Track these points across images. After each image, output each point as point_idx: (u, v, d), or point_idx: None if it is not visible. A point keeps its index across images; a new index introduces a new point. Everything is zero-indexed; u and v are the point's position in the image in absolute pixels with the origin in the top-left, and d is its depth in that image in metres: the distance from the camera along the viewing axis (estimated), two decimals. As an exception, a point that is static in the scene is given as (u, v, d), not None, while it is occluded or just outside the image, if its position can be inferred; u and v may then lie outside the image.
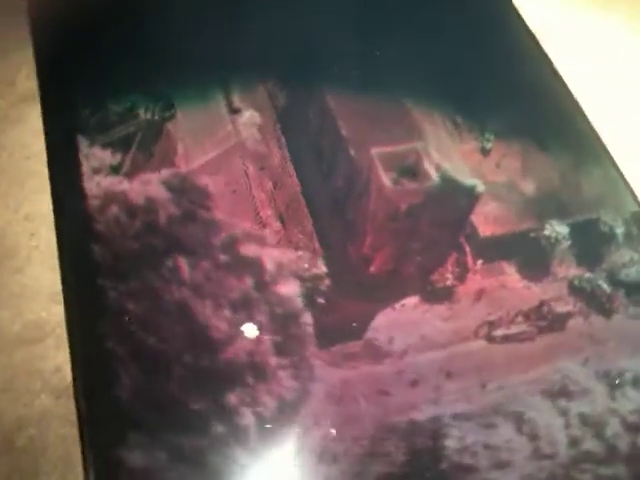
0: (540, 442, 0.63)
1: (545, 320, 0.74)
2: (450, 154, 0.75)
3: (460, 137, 0.83)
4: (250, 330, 0.71)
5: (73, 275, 0.66)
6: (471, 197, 0.74)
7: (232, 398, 0.61)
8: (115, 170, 0.71)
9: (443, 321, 0.74)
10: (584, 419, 0.66)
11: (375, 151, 0.73)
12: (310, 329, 0.67)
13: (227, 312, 0.65)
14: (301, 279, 0.69)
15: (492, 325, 0.73)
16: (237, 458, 0.57)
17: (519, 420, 0.65)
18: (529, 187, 0.81)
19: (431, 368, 0.70)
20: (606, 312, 0.76)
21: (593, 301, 0.76)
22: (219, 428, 0.60)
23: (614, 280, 0.77)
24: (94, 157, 0.72)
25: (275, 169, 0.80)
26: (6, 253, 0.74)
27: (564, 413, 0.65)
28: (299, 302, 0.67)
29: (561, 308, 0.75)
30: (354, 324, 0.70)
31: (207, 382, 0.62)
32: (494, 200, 0.79)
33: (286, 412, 0.61)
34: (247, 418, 0.61)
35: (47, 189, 0.73)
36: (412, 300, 0.74)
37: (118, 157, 0.72)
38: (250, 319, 0.66)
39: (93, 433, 0.59)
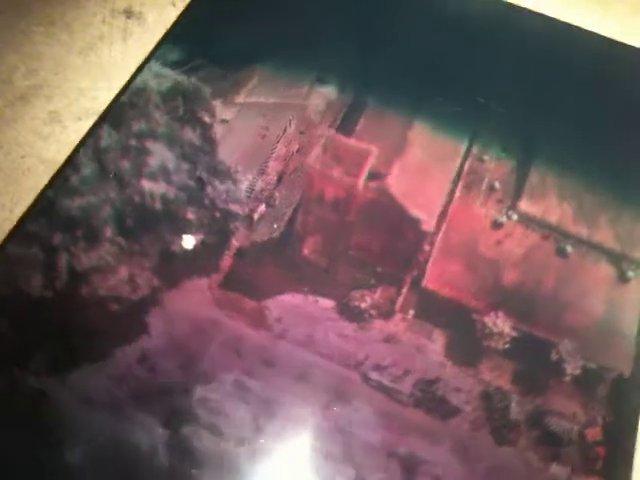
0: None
1: (430, 397, 0.66)
2: (426, 189, 0.71)
3: (483, 201, 0.77)
4: (188, 241, 0.78)
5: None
6: (417, 231, 0.69)
7: (57, 238, 0.71)
8: (172, 65, 0.83)
9: (338, 337, 0.71)
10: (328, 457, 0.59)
11: (327, 134, 0.72)
12: (183, 249, 0.72)
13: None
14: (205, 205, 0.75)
15: (376, 367, 0.68)
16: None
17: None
18: (512, 277, 0.72)
19: (293, 362, 0.69)
20: (498, 438, 0.65)
21: (493, 418, 0.66)
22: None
23: (534, 418, 0.66)
24: (168, 50, 0.85)
25: (310, 138, 0.84)
26: (1, 252, 0.76)
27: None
28: (159, 206, 0.72)
29: (456, 400, 0.67)
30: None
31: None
32: (464, 266, 0.73)
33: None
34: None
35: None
36: (327, 303, 0.73)
37: (185, 57, 0.84)
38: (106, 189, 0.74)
39: None
